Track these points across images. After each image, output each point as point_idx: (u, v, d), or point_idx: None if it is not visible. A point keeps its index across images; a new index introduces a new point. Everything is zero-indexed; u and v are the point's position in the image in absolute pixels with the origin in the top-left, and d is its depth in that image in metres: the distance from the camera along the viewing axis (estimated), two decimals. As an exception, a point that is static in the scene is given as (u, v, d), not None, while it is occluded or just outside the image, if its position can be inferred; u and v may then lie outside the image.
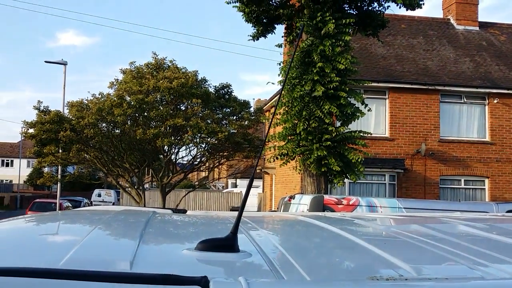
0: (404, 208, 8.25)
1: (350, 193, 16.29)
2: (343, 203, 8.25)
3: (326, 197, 8.55)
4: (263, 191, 27.77)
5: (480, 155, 18.13)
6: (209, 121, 18.21)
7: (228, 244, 1.22)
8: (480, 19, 22.26)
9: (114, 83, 19.38)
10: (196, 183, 29.44)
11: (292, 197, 9.18)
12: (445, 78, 18.48)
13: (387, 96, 17.94)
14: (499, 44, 21.33)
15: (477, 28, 21.89)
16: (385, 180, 17.41)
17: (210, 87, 20.03)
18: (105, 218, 1.83)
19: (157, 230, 1.73)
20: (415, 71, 18.68)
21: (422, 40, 20.65)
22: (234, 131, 18.91)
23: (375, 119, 17.68)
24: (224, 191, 36.23)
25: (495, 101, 18.26)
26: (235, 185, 39.60)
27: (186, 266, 1.15)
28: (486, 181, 18.19)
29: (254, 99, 43.96)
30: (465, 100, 18.39)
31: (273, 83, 10.92)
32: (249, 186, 1.37)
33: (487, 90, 18.26)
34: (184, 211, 2.35)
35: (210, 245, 1.21)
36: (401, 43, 20.26)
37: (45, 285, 0.90)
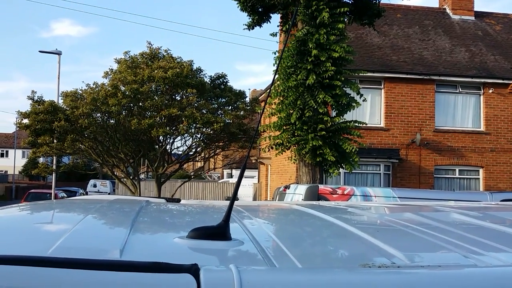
0: (398, 197, 8.28)
1: (345, 183, 16.33)
2: (338, 192, 8.28)
3: (321, 186, 8.56)
4: (258, 182, 27.82)
5: (474, 145, 18.20)
6: (204, 111, 18.17)
7: (220, 232, 1.21)
8: (476, 9, 22.24)
9: (109, 73, 19.29)
10: (192, 173, 29.45)
11: (287, 187, 9.20)
12: (440, 68, 18.49)
13: (382, 86, 17.94)
14: (495, 34, 21.32)
15: (473, 18, 21.87)
16: (380, 170, 17.46)
17: (206, 77, 20.00)
18: (97, 207, 1.82)
19: (149, 218, 1.72)
20: (411, 61, 18.67)
21: (418, 30, 20.61)
22: (229, 121, 18.89)
23: (370, 109, 17.69)
24: (220, 181, 36.26)
25: (490, 91, 18.30)
26: (230, 176, 39.64)
27: (177, 254, 1.14)
28: (481, 170, 18.28)
29: (249, 89, 43.90)
30: (460, 90, 18.41)
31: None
32: (241, 175, 1.36)
33: (482, 80, 18.29)
34: (178, 200, 2.34)
35: (201, 233, 1.21)
36: (396, 32, 20.23)
37: (32, 273, 0.89)
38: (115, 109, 17.28)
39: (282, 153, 12.04)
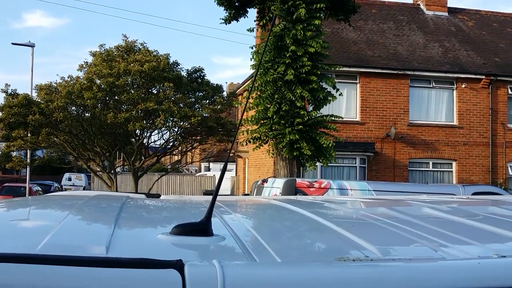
0: (373, 190, 8.42)
1: (322, 176, 16.48)
2: (315, 186, 8.38)
3: (298, 180, 8.66)
4: (236, 175, 27.85)
5: (448, 138, 18.53)
6: (181, 105, 18.08)
7: (202, 228, 1.24)
8: (449, 5, 22.60)
9: (84, 66, 19.01)
10: (169, 166, 29.28)
11: (265, 181, 9.28)
12: (414, 63, 18.75)
13: (358, 81, 18.11)
14: (468, 29, 21.71)
15: (446, 14, 22.22)
16: (355, 163, 17.66)
17: (182, 70, 19.86)
18: (79, 204, 1.83)
19: (132, 215, 1.74)
20: (386, 56, 18.88)
21: (393, 25, 20.85)
22: (207, 115, 18.85)
23: (346, 103, 17.86)
24: (197, 174, 36.16)
25: (463, 86, 18.64)
26: (208, 169, 39.57)
27: (161, 250, 1.17)
28: (454, 164, 18.63)
29: (226, 82, 43.83)
30: (433, 84, 18.71)
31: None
32: (223, 171, 1.40)
33: (455, 75, 18.60)
34: (158, 196, 2.36)
35: (184, 229, 1.23)
36: (371, 28, 20.42)
37: (22, 270, 0.91)
38: (91, 103, 17.07)
39: (259, 147, 12.10)
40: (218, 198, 2.23)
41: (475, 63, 19.34)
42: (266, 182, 9.16)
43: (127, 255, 0.98)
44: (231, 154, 25.97)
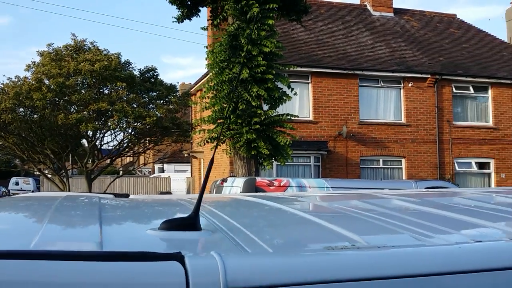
0: (331, 187, 8.61)
1: (278, 175, 16.61)
2: (274, 184, 8.48)
3: (258, 179, 8.74)
4: (191, 175, 27.66)
5: (396, 136, 19.07)
6: (135, 105, 17.80)
7: (191, 223, 1.25)
8: (394, 6, 23.31)
9: (31, 65, 18.38)
10: (120, 169, 28.69)
11: (224, 180, 9.31)
12: (363, 63, 19.17)
13: (309, 81, 18.36)
14: (413, 30, 22.44)
15: (392, 15, 22.89)
16: (310, 162, 17.91)
17: (135, 70, 19.55)
18: (55, 204, 1.81)
19: (113, 213, 1.74)
20: (335, 56, 19.23)
21: (341, 26, 21.26)
22: (161, 115, 18.63)
23: (299, 102, 18.06)
24: (152, 176, 35.64)
25: (410, 85, 19.23)
26: (162, 170, 39.07)
27: (154, 245, 1.18)
28: (403, 160, 19.20)
29: (178, 82, 43.30)
30: (382, 84, 19.21)
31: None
32: (209, 169, 1.42)
33: (402, 75, 19.16)
34: (126, 196, 2.35)
35: (173, 224, 1.25)
36: (321, 28, 20.76)
37: (19, 267, 0.90)
38: (40, 104, 16.54)
39: (217, 147, 12.07)
40: (192, 196, 2.26)
41: (420, 62, 20.01)
42: (226, 182, 9.19)
43: (122, 250, 0.99)
44: (185, 155, 25.76)
